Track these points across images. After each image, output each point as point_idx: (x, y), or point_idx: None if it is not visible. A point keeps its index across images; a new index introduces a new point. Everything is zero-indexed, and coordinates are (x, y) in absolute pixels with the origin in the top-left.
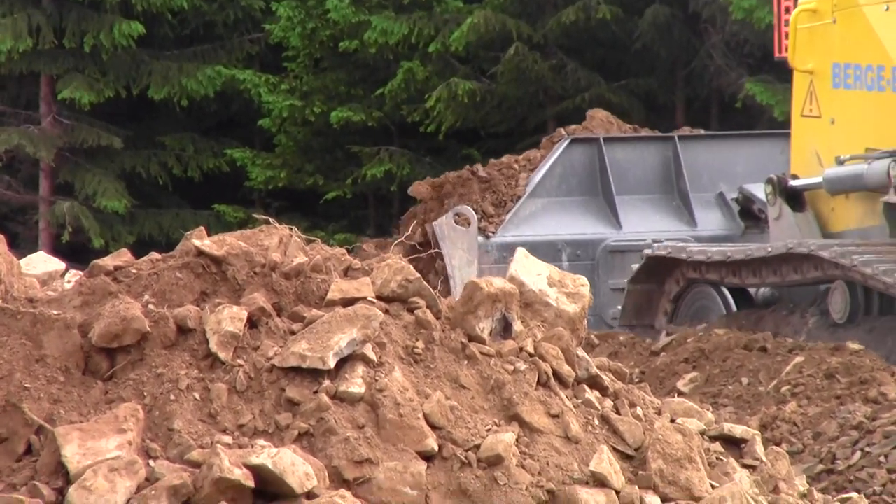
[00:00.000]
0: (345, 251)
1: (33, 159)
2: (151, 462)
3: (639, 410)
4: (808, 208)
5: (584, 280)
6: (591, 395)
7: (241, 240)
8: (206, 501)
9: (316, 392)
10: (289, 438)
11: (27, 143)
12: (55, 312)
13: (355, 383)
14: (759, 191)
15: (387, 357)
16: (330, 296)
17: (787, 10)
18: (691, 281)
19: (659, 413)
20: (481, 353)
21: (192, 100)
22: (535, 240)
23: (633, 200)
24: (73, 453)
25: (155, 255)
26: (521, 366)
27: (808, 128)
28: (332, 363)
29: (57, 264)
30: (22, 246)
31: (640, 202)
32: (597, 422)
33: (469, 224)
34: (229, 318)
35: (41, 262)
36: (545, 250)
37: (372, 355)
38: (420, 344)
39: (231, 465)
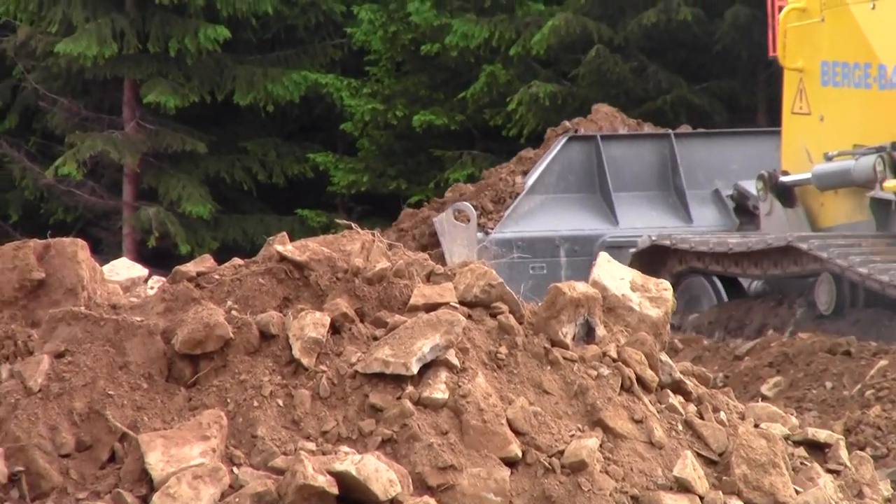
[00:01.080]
0: (427, 256)
1: (117, 164)
2: (235, 469)
3: (722, 415)
4: (798, 204)
5: (666, 284)
6: (675, 399)
7: (324, 245)
8: None
9: (399, 398)
10: (372, 445)
11: (111, 149)
12: (138, 319)
13: (438, 389)
14: (754, 187)
15: (470, 362)
16: (413, 301)
17: (781, 10)
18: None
19: (743, 418)
20: (564, 359)
21: (277, 105)
22: (533, 236)
23: (630, 197)
24: (156, 460)
25: (237, 261)
26: (605, 371)
27: (798, 125)
28: (415, 369)
29: (140, 270)
30: (105, 252)
31: (636, 199)
32: (680, 427)
33: (468, 220)
34: (312, 323)
35: (124, 269)
36: (543, 246)
37: (455, 361)
38: (503, 349)
39: (315, 472)
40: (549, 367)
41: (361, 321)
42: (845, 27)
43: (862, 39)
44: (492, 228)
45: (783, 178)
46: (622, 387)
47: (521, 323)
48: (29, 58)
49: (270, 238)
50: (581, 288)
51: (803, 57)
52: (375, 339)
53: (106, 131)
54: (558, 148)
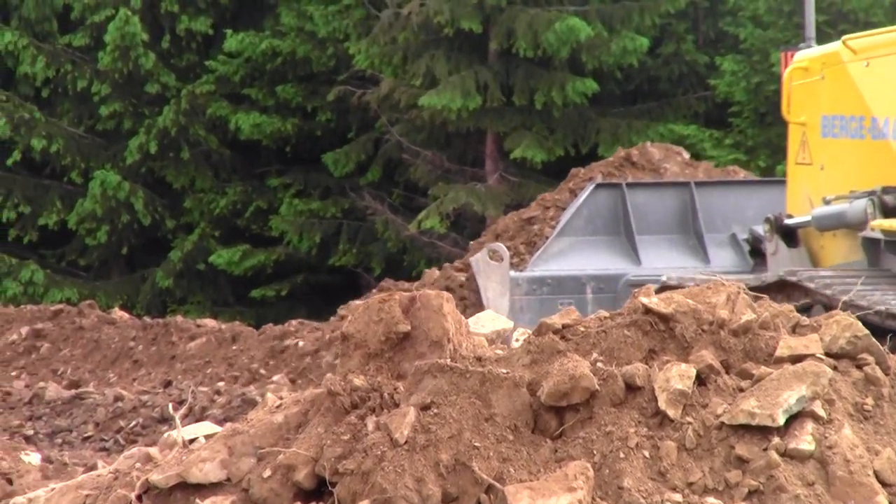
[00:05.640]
0: (792, 308)
1: (479, 216)
2: None
3: None
4: (801, 244)
5: None
6: None
7: (689, 297)
8: None
9: (765, 449)
10: (738, 496)
11: (474, 201)
12: (504, 371)
13: (805, 440)
14: None
15: (836, 414)
16: (778, 353)
17: None
18: None
19: None
20: None
21: None
22: (561, 274)
23: (653, 240)
24: None
25: (602, 313)
26: None
27: (801, 174)
28: (781, 420)
29: (505, 322)
30: (469, 304)
31: (658, 241)
32: None
33: (502, 260)
34: (678, 375)
35: (489, 321)
36: (571, 284)
37: (821, 412)
38: (869, 400)
39: None
40: None
41: (727, 373)
42: (842, 84)
43: (857, 94)
44: (522, 269)
45: (787, 221)
46: None
47: (886, 374)
48: (392, 110)
49: (635, 291)
50: None
51: (806, 112)
52: (741, 390)
53: (469, 183)
54: (586, 194)
